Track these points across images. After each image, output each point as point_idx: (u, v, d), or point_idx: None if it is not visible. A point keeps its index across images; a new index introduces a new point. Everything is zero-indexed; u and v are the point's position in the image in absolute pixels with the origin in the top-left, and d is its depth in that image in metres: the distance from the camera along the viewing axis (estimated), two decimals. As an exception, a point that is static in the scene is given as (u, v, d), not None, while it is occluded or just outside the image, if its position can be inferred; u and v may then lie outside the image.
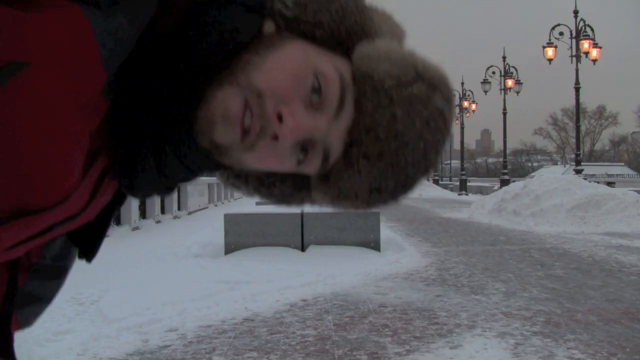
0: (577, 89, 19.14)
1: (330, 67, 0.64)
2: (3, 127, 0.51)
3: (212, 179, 26.12)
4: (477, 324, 4.23)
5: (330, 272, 6.22)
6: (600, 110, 75.19)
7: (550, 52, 19.96)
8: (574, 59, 19.07)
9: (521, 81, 27.20)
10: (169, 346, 3.81)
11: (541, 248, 8.66)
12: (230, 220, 7.73)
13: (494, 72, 27.56)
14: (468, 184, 32.26)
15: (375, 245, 7.70)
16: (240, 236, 7.66)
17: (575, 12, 19.09)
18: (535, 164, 79.10)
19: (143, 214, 14.49)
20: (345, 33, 0.66)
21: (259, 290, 5.39)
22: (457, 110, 35.40)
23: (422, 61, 0.68)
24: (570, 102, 37.03)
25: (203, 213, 19.57)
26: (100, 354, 3.64)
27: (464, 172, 33.14)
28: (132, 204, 12.91)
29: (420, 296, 5.25)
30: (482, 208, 15.19)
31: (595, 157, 71.53)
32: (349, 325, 4.26)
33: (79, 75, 0.53)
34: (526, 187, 14.17)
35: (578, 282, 5.85)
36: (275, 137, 0.61)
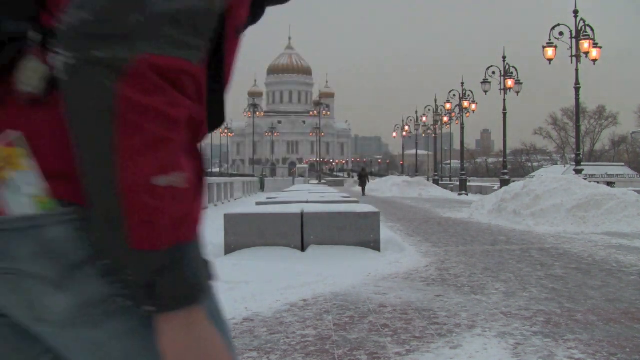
0: (577, 89, 19.15)
1: None
2: None
3: (213, 180, 26.15)
4: (477, 324, 4.23)
5: (330, 272, 6.22)
6: (600, 110, 75.25)
7: (550, 52, 19.95)
8: (574, 59, 19.07)
9: (521, 81, 27.19)
10: (169, 346, 3.81)
11: (541, 248, 8.65)
12: (230, 220, 7.73)
13: (494, 72, 27.55)
14: (468, 184, 32.24)
15: (375, 245, 7.70)
16: (240, 236, 7.65)
17: (575, 12, 19.08)
18: (535, 164, 79.10)
19: (143, 214, 14.51)
20: None
21: (259, 290, 5.38)
22: (457, 110, 35.43)
23: None
24: (570, 102, 37.00)
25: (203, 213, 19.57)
26: (100, 354, 3.64)
27: (464, 172, 33.13)
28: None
29: (420, 296, 5.24)
30: (482, 208, 15.18)
31: (595, 157, 71.52)
32: (349, 325, 4.26)
33: None
34: (526, 187, 14.16)
35: (578, 282, 5.85)
36: None
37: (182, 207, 0.66)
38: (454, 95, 35.29)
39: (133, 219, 0.63)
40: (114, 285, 0.67)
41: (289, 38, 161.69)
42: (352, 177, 71.72)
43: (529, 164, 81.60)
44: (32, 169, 0.68)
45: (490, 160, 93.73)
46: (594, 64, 19.27)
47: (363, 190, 33.34)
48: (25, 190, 0.67)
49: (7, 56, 0.67)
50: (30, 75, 0.67)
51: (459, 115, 34.58)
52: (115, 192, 0.62)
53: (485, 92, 27.91)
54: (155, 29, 0.62)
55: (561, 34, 19.52)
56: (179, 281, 0.66)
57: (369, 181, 36.67)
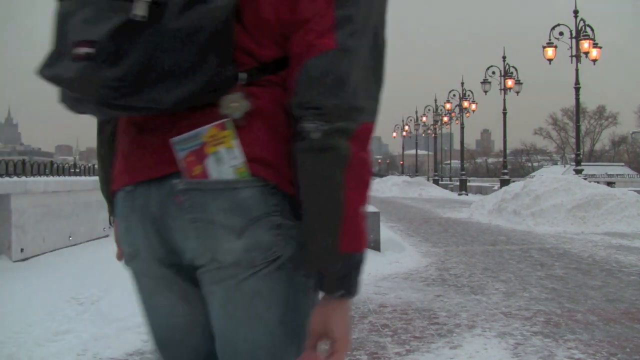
0: (577, 89, 19.11)
1: None
2: None
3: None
4: (477, 324, 4.23)
5: (330, 272, 6.21)
6: (600, 110, 75.18)
7: (550, 52, 19.91)
8: (574, 59, 19.04)
9: (521, 81, 27.14)
10: (169, 346, 3.80)
11: (541, 248, 8.65)
12: (230, 220, 7.73)
13: (494, 72, 27.47)
14: (468, 184, 32.20)
15: (375, 245, 7.70)
16: (240, 236, 7.65)
17: (575, 12, 19.05)
18: (535, 164, 79.04)
19: (143, 214, 14.46)
20: None
21: (259, 290, 5.38)
22: (457, 110, 35.41)
23: None
24: (570, 102, 36.97)
25: (203, 213, 19.48)
26: (100, 354, 3.64)
27: (464, 172, 33.08)
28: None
29: (420, 296, 5.24)
30: (482, 208, 15.18)
31: (595, 157, 71.46)
32: (349, 325, 4.25)
33: None
34: (526, 187, 14.16)
35: (578, 282, 5.85)
36: None
37: (366, 227, 0.98)
38: (454, 95, 35.23)
39: (346, 232, 0.92)
40: (312, 276, 0.95)
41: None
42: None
43: (529, 164, 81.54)
44: (236, 147, 0.92)
45: (490, 160, 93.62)
46: (594, 64, 19.24)
47: None
48: (228, 162, 0.92)
49: (221, 94, 0.92)
50: (234, 107, 0.92)
51: (459, 115, 34.53)
52: (339, 214, 0.91)
53: (485, 92, 27.85)
54: (369, 106, 0.94)
55: (561, 34, 19.47)
56: (359, 277, 0.97)
57: None
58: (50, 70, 0.92)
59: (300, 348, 0.95)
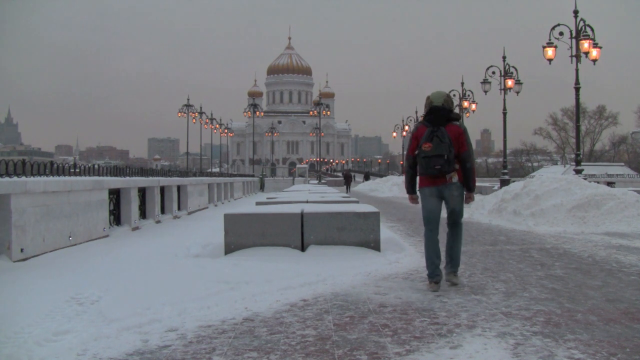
0: (577, 89, 19.09)
1: None
2: None
3: (212, 179, 26.10)
4: (477, 324, 4.23)
5: (330, 272, 6.22)
6: (600, 110, 75.27)
7: (550, 52, 19.88)
8: (574, 59, 19.03)
9: (521, 81, 27.12)
10: (169, 346, 3.81)
11: (541, 248, 8.66)
12: (230, 220, 7.73)
13: (494, 72, 27.44)
14: (468, 184, 32.13)
15: (375, 245, 7.70)
16: (240, 236, 7.65)
17: (575, 12, 19.04)
18: (535, 164, 79.13)
19: (143, 214, 14.46)
20: None
21: (259, 290, 5.38)
22: (457, 110, 35.38)
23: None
24: (570, 102, 36.95)
25: (203, 213, 19.55)
26: (100, 354, 3.64)
27: (464, 172, 33.02)
28: (132, 204, 12.91)
29: (420, 296, 5.25)
30: (482, 208, 15.18)
31: (595, 157, 71.55)
32: (349, 325, 4.26)
33: None
34: (526, 187, 14.17)
35: (578, 282, 5.85)
36: None
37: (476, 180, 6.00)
38: (454, 95, 35.19)
39: (473, 180, 5.72)
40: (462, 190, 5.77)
41: (289, 38, 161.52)
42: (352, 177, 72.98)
43: (529, 164, 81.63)
44: (456, 176, 5.59)
45: (490, 160, 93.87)
46: (594, 64, 19.22)
47: (347, 188, 40.42)
48: (455, 178, 5.65)
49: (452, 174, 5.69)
50: (453, 175, 5.60)
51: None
52: (474, 177, 5.71)
53: (485, 92, 27.82)
54: (474, 158, 5.98)
55: (561, 34, 19.44)
56: (474, 187, 5.79)
57: (353, 181, 45.20)
58: (426, 170, 5.52)
59: (463, 209, 5.84)
